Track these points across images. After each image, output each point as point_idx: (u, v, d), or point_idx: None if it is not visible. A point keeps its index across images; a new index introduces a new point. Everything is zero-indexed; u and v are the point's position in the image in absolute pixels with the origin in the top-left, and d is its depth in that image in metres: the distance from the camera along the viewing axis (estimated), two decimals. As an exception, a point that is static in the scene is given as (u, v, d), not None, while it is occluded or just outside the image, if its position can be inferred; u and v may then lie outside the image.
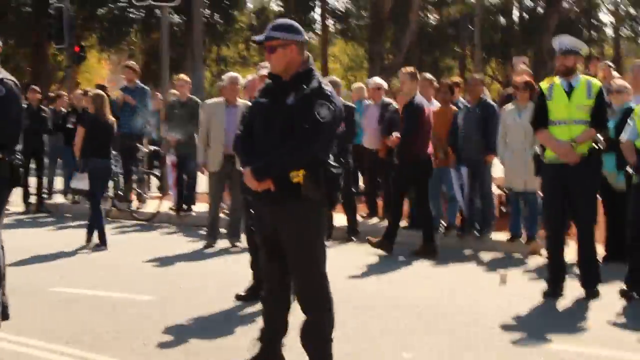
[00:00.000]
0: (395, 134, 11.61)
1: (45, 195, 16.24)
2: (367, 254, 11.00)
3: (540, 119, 8.58)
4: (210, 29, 41.93)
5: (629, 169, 8.60)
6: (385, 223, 11.75)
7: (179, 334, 7.09)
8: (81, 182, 11.88)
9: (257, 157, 5.62)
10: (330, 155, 5.74)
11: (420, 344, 6.81)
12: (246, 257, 8.56)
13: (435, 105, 12.11)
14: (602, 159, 8.68)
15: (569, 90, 8.42)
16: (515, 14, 51.78)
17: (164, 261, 10.59)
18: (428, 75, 12.77)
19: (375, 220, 13.33)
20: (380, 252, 11.02)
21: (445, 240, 11.69)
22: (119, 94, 15.34)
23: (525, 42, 45.25)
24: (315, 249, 5.71)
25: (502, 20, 50.92)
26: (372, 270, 10.17)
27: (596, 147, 8.44)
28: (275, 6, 52.38)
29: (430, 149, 11.34)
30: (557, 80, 8.53)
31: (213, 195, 11.65)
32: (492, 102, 11.90)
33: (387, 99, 13.47)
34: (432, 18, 51.87)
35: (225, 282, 9.13)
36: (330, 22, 51.14)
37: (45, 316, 7.71)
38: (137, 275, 9.77)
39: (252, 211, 5.92)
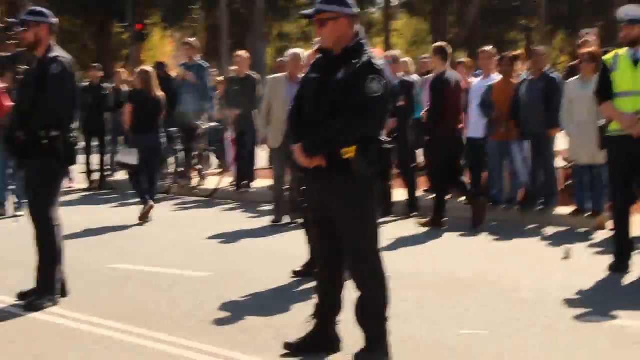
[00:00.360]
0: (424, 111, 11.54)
1: (107, 172, 16.37)
2: (426, 229, 10.89)
3: (604, 91, 8.34)
4: (272, 5, 41.84)
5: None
6: (445, 198, 11.63)
7: (235, 310, 7.04)
8: (129, 156, 11.96)
9: (307, 132, 5.52)
10: (382, 131, 5.63)
11: (479, 321, 6.66)
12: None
13: (496, 78, 11.91)
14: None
15: (635, 61, 8.17)
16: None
17: (223, 237, 10.59)
18: (487, 48, 12.58)
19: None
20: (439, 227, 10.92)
21: (508, 215, 11.51)
22: (179, 70, 15.35)
23: (593, 14, 44.28)
24: (367, 224, 5.59)
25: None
26: (431, 245, 10.06)
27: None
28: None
29: (461, 124, 11.37)
30: (622, 51, 8.29)
31: (276, 171, 11.53)
32: (555, 75, 11.64)
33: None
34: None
35: (283, 258, 9.07)
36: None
37: (102, 293, 7.74)
38: (195, 252, 9.77)
39: (303, 188, 5.83)
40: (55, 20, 7.36)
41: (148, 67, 12.63)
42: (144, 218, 11.56)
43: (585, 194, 10.97)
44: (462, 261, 9.16)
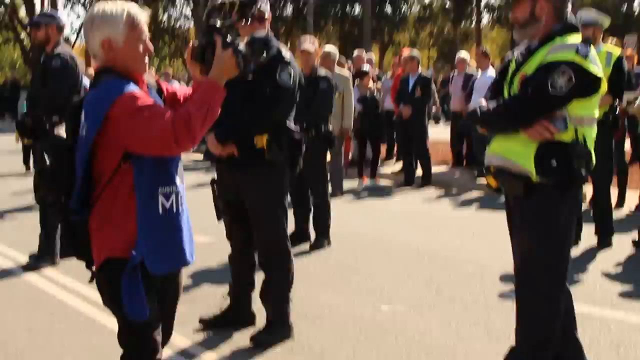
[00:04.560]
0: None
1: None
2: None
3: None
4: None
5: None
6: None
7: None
8: None
9: (220, 123, 4.55)
10: (291, 120, 4.60)
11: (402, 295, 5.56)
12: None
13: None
14: (618, 123, 7.08)
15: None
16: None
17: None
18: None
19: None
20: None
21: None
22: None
23: None
24: (277, 210, 4.58)
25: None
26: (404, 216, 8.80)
27: (612, 112, 6.83)
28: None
29: None
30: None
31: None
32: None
33: (470, 71, 12.17)
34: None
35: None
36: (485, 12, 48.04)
37: None
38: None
39: (216, 176, 4.81)
40: (63, 21, 6.65)
41: None
42: None
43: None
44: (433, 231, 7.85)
